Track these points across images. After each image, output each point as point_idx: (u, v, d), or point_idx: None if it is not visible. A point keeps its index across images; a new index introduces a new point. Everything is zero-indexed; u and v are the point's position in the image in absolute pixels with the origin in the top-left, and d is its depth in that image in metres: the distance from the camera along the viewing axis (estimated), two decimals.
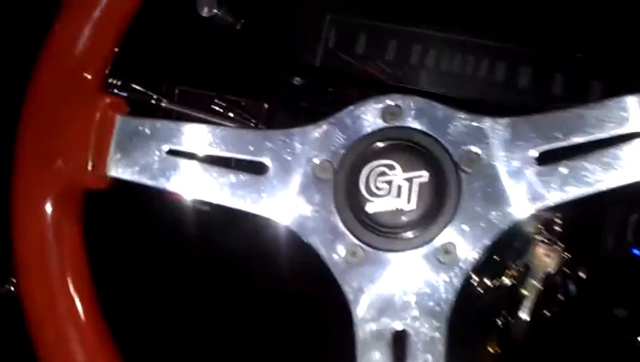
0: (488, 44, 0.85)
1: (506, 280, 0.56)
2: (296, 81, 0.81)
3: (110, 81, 0.54)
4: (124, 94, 0.54)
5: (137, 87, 0.53)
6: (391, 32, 0.86)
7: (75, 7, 0.40)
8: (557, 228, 0.54)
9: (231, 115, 0.63)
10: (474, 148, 0.39)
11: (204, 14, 0.74)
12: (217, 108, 0.62)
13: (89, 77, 0.40)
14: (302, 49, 0.85)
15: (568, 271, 0.56)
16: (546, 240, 0.54)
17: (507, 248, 0.57)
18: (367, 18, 0.86)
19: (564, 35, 0.82)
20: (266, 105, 0.81)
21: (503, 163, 0.39)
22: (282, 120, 0.80)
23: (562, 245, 0.54)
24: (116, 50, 0.43)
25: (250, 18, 0.78)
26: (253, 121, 0.64)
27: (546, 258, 0.54)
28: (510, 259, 0.57)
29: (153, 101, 0.54)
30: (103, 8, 0.41)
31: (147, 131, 0.40)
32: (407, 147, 0.39)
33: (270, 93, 0.81)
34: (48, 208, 0.38)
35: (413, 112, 0.40)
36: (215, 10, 0.75)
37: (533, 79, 0.85)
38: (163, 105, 0.54)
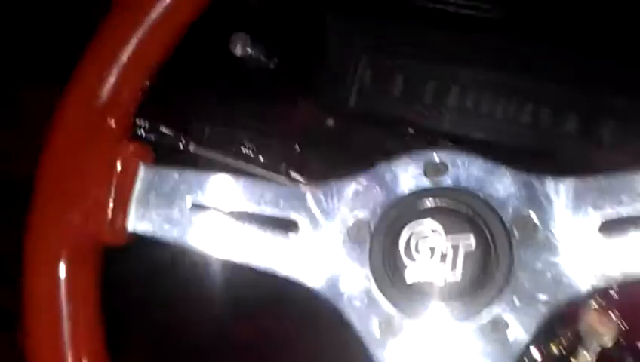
0: (530, 86, 0.81)
1: (555, 350, 0.51)
2: (330, 122, 0.78)
3: (137, 122, 0.52)
4: (151, 138, 0.52)
5: (165, 130, 0.51)
6: (430, 73, 0.83)
7: (103, 45, 0.38)
8: (613, 293, 0.49)
9: (261, 158, 0.61)
10: (528, 212, 0.35)
11: (237, 53, 0.73)
12: (247, 152, 0.59)
13: (113, 123, 0.38)
14: (336, 90, 0.82)
15: (625, 343, 0.50)
16: (600, 307, 0.49)
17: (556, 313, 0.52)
18: (405, 58, 0.83)
19: (612, 78, 0.77)
20: (297, 148, 0.78)
21: (561, 230, 0.34)
22: (315, 163, 0.77)
23: (619, 313, 0.49)
24: (144, 92, 0.41)
25: (284, 57, 0.76)
26: (283, 165, 0.61)
27: (600, 326, 0.49)
28: (559, 326, 0.52)
29: (181, 145, 0.52)
30: (134, 49, 0.39)
31: (171, 183, 0.37)
32: (452, 208, 0.35)
33: (302, 134, 0.78)
34: (62, 268, 0.36)
35: (459, 169, 0.36)
36: (248, 49, 0.73)
37: (578, 125, 0.81)
38: (191, 149, 0.51)
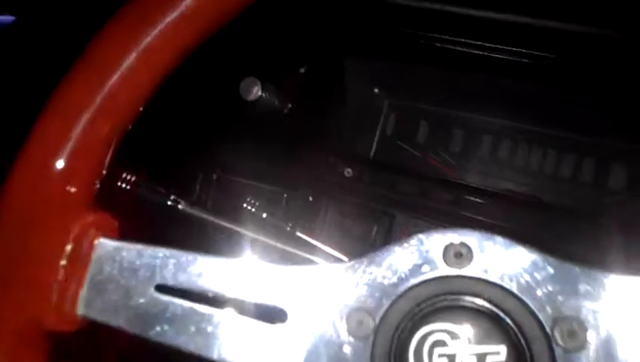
0: (571, 136, 0.74)
1: None
2: (347, 172, 0.72)
3: (123, 176, 0.47)
4: (136, 193, 0.46)
5: (148, 183, 0.45)
6: (457, 119, 0.76)
7: (67, 94, 0.33)
8: None
9: (264, 215, 0.54)
10: (576, 314, 0.27)
11: (248, 98, 0.68)
12: (249, 208, 0.53)
13: (72, 189, 0.32)
14: (355, 136, 0.76)
15: None
16: None
17: None
18: (431, 103, 0.77)
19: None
20: (310, 198, 0.72)
21: (619, 337, 0.27)
22: (328, 217, 0.71)
23: None
24: (115, 148, 0.35)
25: (298, 102, 0.70)
26: (289, 224, 0.54)
27: None
28: None
29: (169, 202, 0.46)
30: (104, 96, 0.33)
31: (133, 260, 0.31)
32: (477, 307, 0.28)
33: (316, 185, 0.71)
34: (3, 353, 0.30)
35: (486, 256, 0.29)
36: (260, 93, 0.68)
37: (627, 180, 0.72)
38: (180, 207, 0.46)
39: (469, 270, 0.29)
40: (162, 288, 0.31)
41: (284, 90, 0.70)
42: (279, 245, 0.46)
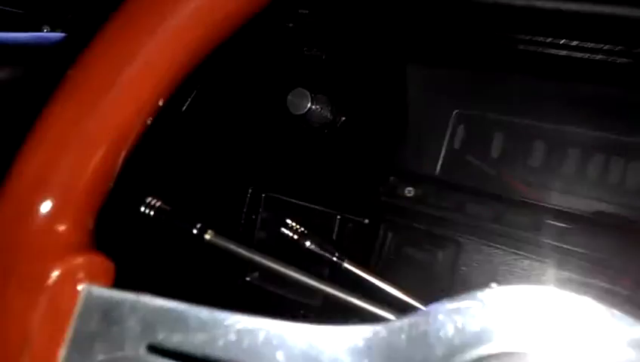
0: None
1: None
2: (409, 192, 0.64)
3: (145, 201, 0.42)
4: (158, 220, 0.42)
5: (174, 209, 0.40)
6: (537, 129, 0.67)
7: (56, 118, 0.28)
8: None
9: (308, 243, 0.48)
10: None
11: (296, 111, 0.62)
12: (290, 234, 0.47)
13: (58, 229, 0.27)
14: (418, 152, 0.68)
15: None
16: None
17: None
18: (506, 113, 0.68)
19: None
20: (366, 221, 0.65)
21: None
22: (386, 243, 0.63)
23: None
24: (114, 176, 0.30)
25: (353, 114, 0.64)
26: (336, 255, 0.48)
27: None
28: None
29: (195, 231, 0.41)
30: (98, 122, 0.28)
31: (123, 313, 0.25)
32: None
33: (373, 207, 0.64)
34: None
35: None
36: (310, 105, 0.62)
37: None
38: (207, 238, 0.40)
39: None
40: (156, 349, 0.25)
41: (337, 102, 0.64)
42: (322, 287, 0.40)
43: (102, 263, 0.28)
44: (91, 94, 0.28)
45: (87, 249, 0.28)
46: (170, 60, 0.29)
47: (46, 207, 0.27)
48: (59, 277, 0.26)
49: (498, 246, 0.58)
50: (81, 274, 0.27)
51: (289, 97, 0.61)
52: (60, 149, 0.28)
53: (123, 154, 0.30)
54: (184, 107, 0.58)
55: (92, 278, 0.27)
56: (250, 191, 0.69)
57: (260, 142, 0.68)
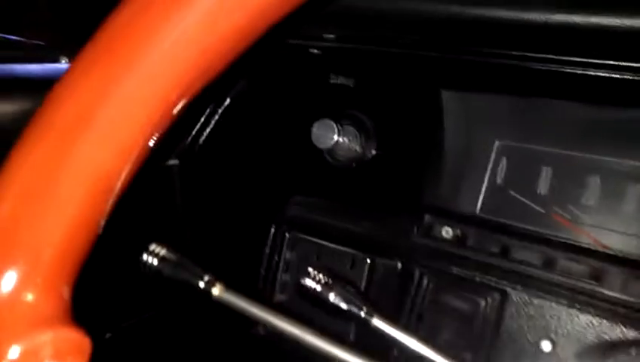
0: None
1: None
2: (447, 233, 0.58)
3: (149, 248, 0.37)
4: (162, 272, 0.37)
5: (180, 259, 0.35)
6: (592, 163, 0.60)
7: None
8: None
9: (332, 297, 0.42)
10: None
11: (322, 145, 0.57)
12: (311, 285, 0.41)
13: (27, 297, 0.22)
14: (457, 188, 0.62)
15: None
16: None
17: None
18: (555, 144, 0.61)
19: None
20: (399, 265, 0.58)
21: None
22: (421, 291, 0.56)
23: None
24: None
25: (385, 147, 0.58)
26: (364, 309, 0.42)
27: None
28: None
29: (202, 284, 0.35)
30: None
31: None
32: None
33: (407, 249, 0.58)
34: None
35: None
36: (337, 138, 0.57)
37: None
38: (215, 293, 0.35)
39: None
40: None
41: (366, 134, 0.58)
42: (346, 357, 0.34)
43: (75, 340, 0.23)
44: (65, 133, 0.23)
45: (60, 322, 0.23)
46: (161, 92, 0.24)
47: (9, 272, 0.22)
48: (20, 356, 0.21)
49: (550, 297, 0.51)
50: (47, 353, 0.22)
51: (314, 129, 0.56)
52: (26, 201, 0.23)
53: (107, 203, 0.25)
54: (201, 139, 0.54)
55: (61, 358, 0.22)
56: (272, 230, 0.63)
57: (282, 177, 0.63)
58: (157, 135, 0.26)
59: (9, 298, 0.23)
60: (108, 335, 0.59)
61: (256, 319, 0.35)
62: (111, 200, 0.25)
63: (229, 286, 0.36)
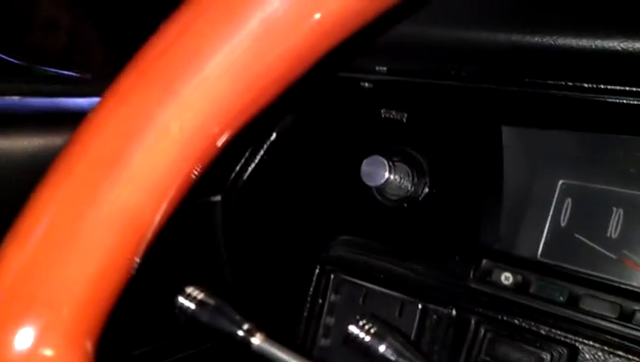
0: None
1: None
2: (506, 278, 0.53)
3: (188, 291, 0.35)
4: (198, 321, 0.34)
5: (219, 304, 0.32)
6: None
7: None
8: None
9: (382, 348, 0.38)
10: None
11: (372, 182, 0.54)
12: (359, 334, 0.38)
13: (47, 355, 0.20)
14: (517, 231, 0.57)
15: None
16: None
17: None
18: (625, 183, 0.56)
19: None
20: (453, 313, 0.54)
21: None
22: (478, 342, 0.52)
23: None
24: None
25: (438, 186, 0.55)
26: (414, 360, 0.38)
27: None
28: None
29: (241, 333, 0.32)
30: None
31: None
32: None
33: (462, 296, 0.54)
34: None
35: None
36: (388, 175, 0.53)
37: None
38: (255, 343, 0.32)
39: None
40: None
41: (419, 171, 0.55)
42: None
43: None
44: (93, 171, 0.21)
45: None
46: (201, 125, 0.22)
47: (26, 327, 0.20)
48: None
49: (625, 354, 0.45)
50: None
51: (363, 166, 0.53)
52: (48, 246, 0.21)
53: (140, 247, 0.23)
54: (245, 175, 0.52)
55: None
56: (317, 271, 0.60)
57: (329, 216, 0.60)
58: (198, 171, 0.24)
59: (27, 354, 0.20)
60: None
61: None
62: (144, 244, 0.23)
63: (270, 336, 0.33)
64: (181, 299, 0.35)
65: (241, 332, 0.33)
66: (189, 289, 0.36)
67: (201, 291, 0.35)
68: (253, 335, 0.33)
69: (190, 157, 0.21)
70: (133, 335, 0.56)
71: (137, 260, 0.23)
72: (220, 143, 0.22)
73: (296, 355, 0.32)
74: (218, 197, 0.50)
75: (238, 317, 0.34)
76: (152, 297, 0.47)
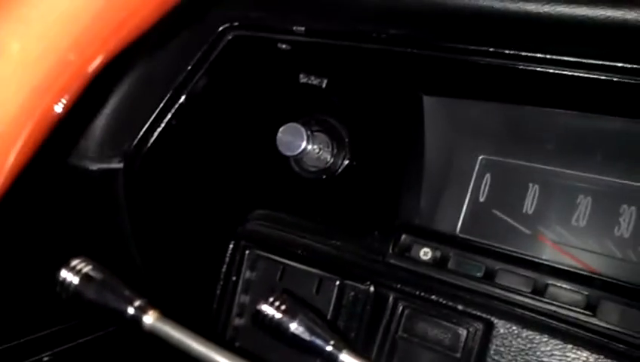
0: None
1: None
2: (425, 253, 0.52)
3: (72, 263, 0.30)
4: (79, 288, 0.29)
5: (101, 276, 0.27)
6: (583, 180, 0.55)
7: None
8: None
9: (293, 326, 0.36)
10: None
11: (288, 152, 0.51)
12: (270, 312, 0.35)
13: None
14: (436, 205, 0.56)
15: None
16: None
17: None
18: (544, 159, 0.56)
19: None
20: (371, 289, 0.52)
21: None
22: (396, 318, 0.50)
23: None
24: None
25: (358, 157, 0.52)
26: (331, 343, 0.35)
27: None
28: None
29: (132, 311, 0.28)
30: None
31: None
32: None
33: (380, 272, 0.52)
34: None
35: None
36: (304, 144, 0.50)
37: None
38: (146, 322, 0.28)
39: None
40: None
41: (339, 142, 0.52)
42: None
43: None
44: None
45: None
46: (48, 50, 0.18)
47: None
48: None
49: (540, 329, 0.45)
50: None
51: (280, 134, 0.49)
52: None
53: None
54: (150, 140, 0.47)
55: None
56: (230, 246, 0.56)
57: (243, 188, 0.56)
58: (61, 106, 0.19)
59: None
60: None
61: (194, 355, 0.28)
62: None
63: (165, 314, 0.29)
64: (64, 273, 0.31)
65: (131, 310, 0.29)
66: (74, 262, 0.31)
67: (88, 264, 0.31)
68: (145, 312, 0.29)
69: (41, 86, 0.17)
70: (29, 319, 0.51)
71: None
72: (86, 71, 0.18)
73: (193, 335, 0.28)
74: (119, 164, 0.46)
75: (128, 293, 0.30)
76: (44, 276, 0.41)
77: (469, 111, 0.54)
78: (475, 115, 0.54)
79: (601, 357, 0.42)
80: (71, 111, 0.20)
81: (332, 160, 0.53)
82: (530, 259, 0.49)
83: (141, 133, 0.46)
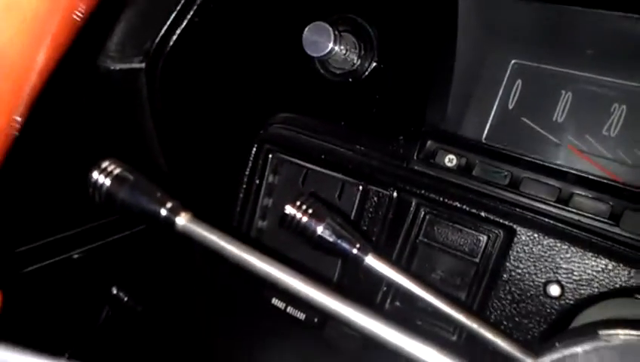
0: None
1: None
2: (449, 160, 0.51)
3: (103, 165, 0.30)
4: (111, 190, 0.30)
5: (135, 178, 0.28)
6: (617, 88, 0.53)
7: None
8: None
9: (320, 229, 0.36)
10: None
11: (314, 53, 0.49)
12: (295, 214, 0.35)
13: None
14: (463, 112, 0.55)
15: None
16: None
17: None
18: (578, 65, 0.54)
19: None
20: (394, 195, 0.52)
21: None
22: (418, 223, 0.50)
23: None
24: None
25: (385, 60, 0.50)
26: (357, 246, 0.36)
27: None
28: None
29: (164, 212, 0.29)
30: None
31: None
32: None
33: (404, 178, 0.51)
34: None
35: None
36: (331, 45, 0.48)
37: None
38: (179, 223, 0.28)
39: None
40: None
41: (367, 44, 0.50)
42: (328, 305, 0.28)
43: None
44: None
45: None
46: None
47: None
48: None
49: (562, 237, 0.46)
50: None
51: (305, 33, 0.47)
52: None
53: (19, 100, 0.18)
54: (171, 40, 0.45)
55: None
56: (254, 149, 0.56)
57: (267, 90, 0.55)
58: (82, 11, 0.18)
59: None
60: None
61: (226, 256, 0.29)
62: (25, 96, 0.18)
63: (198, 216, 0.30)
64: (95, 175, 0.31)
65: (164, 211, 0.30)
66: (105, 164, 0.31)
67: (118, 165, 0.31)
68: (177, 214, 0.29)
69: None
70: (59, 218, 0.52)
71: (18, 119, 0.18)
72: None
73: (224, 235, 0.29)
74: (141, 64, 0.44)
75: (160, 195, 0.30)
76: (75, 177, 0.42)
77: (504, 13, 0.51)
78: (510, 17, 0.51)
79: (620, 264, 0.43)
80: (94, 12, 0.19)
81: (359, 62, 0.51)
82: (557, 168, 0.49)
83: (162, 31, 0.44)
